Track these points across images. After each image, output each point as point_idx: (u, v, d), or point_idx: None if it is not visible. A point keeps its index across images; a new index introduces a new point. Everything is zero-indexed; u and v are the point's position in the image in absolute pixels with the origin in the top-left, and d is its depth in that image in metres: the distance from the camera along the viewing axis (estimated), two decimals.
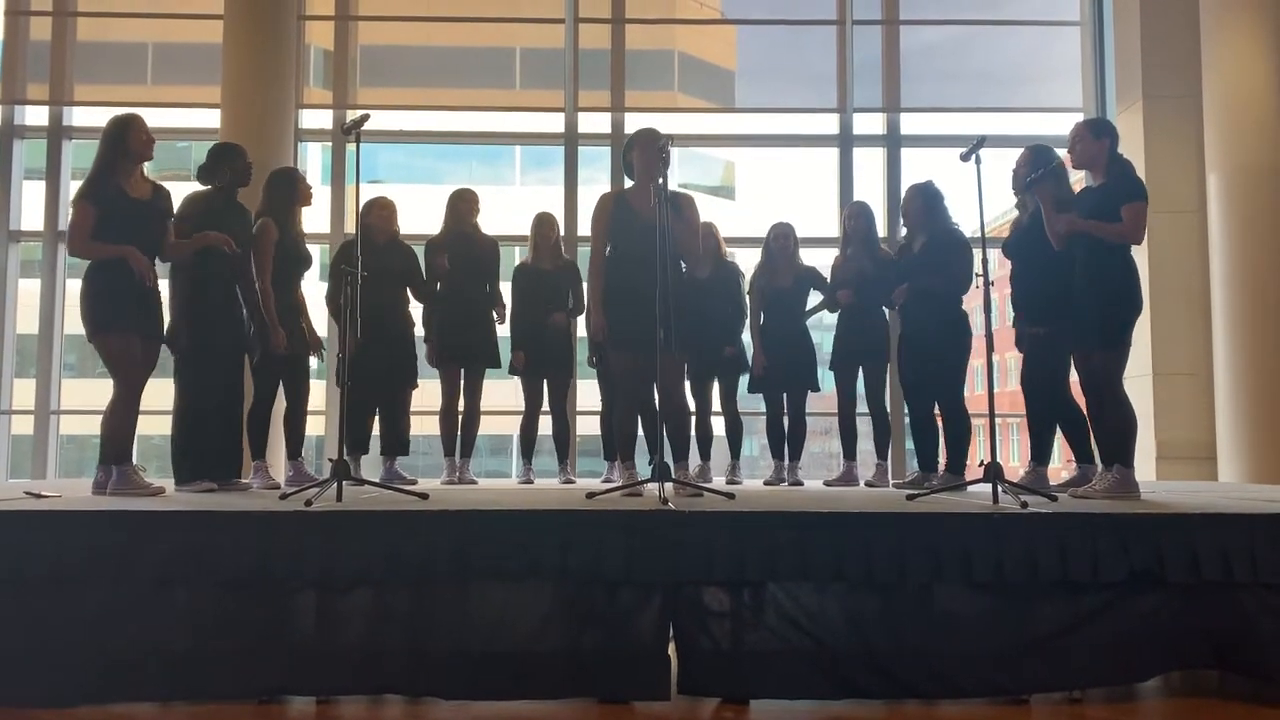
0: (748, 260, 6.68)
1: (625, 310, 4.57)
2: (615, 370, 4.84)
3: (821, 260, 6.52)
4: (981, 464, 4.01)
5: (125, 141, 4.49)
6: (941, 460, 5.48)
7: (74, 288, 8.67)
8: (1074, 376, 4.88)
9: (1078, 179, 5.20)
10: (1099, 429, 4.64)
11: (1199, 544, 3.40)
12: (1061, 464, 5.35)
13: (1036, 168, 4.78)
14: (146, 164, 4.63)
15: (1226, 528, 3.44)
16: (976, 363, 5.41)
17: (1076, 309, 4.46)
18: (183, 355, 4.81)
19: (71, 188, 8.92)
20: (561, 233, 6.61)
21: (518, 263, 6.37)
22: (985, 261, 4.28)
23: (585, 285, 6.28)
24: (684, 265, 4.83)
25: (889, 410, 6.09)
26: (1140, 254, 4.44)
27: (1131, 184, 4.39)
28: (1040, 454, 4.98)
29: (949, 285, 5.29)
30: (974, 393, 5.50)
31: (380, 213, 5.78)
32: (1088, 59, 9.06)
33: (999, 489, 3.90)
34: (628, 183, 4.93)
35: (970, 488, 4.44)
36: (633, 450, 4.82)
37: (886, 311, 5.97)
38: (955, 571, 3.38)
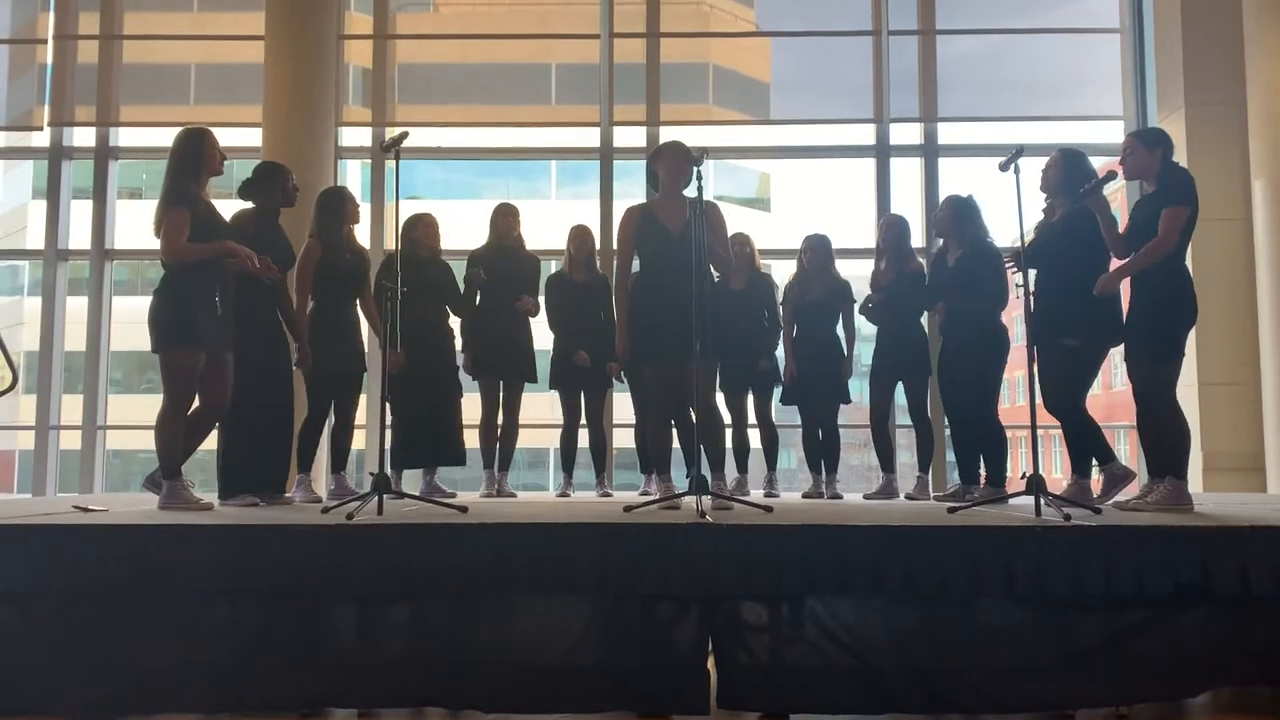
0: (783, 272, 6.66)
1: (657, 322, 4.56)
2: (649, 382, 4.84)
3: (860, 271, 6.49)
4: (1023, 476, 3.96)
5: (203, 154, 4.53)
6: (982, 474, 5.43)
7: (121, 305, 8.89)
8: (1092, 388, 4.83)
9: (1118, 189, 5.14)
10: (1148, 440, 4.56)
11: (1249, 557, 3.33)
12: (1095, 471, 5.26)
13: (1069, 172, 4.71)
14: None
15: (1277, 541, 3.37)
16: (1019, 373, 5.34)
17: (1132, 318, 4.39)
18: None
19: (118, 207, 9.10)
20: (598, 245, 6.63)
21: (551, 273, 6.41)
22: (1025, 272, 4.23)
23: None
24: (715, 274, 4.81)
25: (932, 423, 6.04)
26: (1186, 262, 4.37)
27: (1176, 189, 4.32)
28: (1081, 467, 4.90)
29: (985, 304, 5.27)
30: (1014, 405, 5.44)
31: (425, 229, 5.86)
32: (1128, 66, 8.95)
33: (1041, 501, 3.85)
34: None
35: (1012, 500, 4.39)
36: (669, 463, 4.80)
37: (926, 324, 5.94)
38: (997, 585, 3.34)
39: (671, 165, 4.69)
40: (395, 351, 5.22)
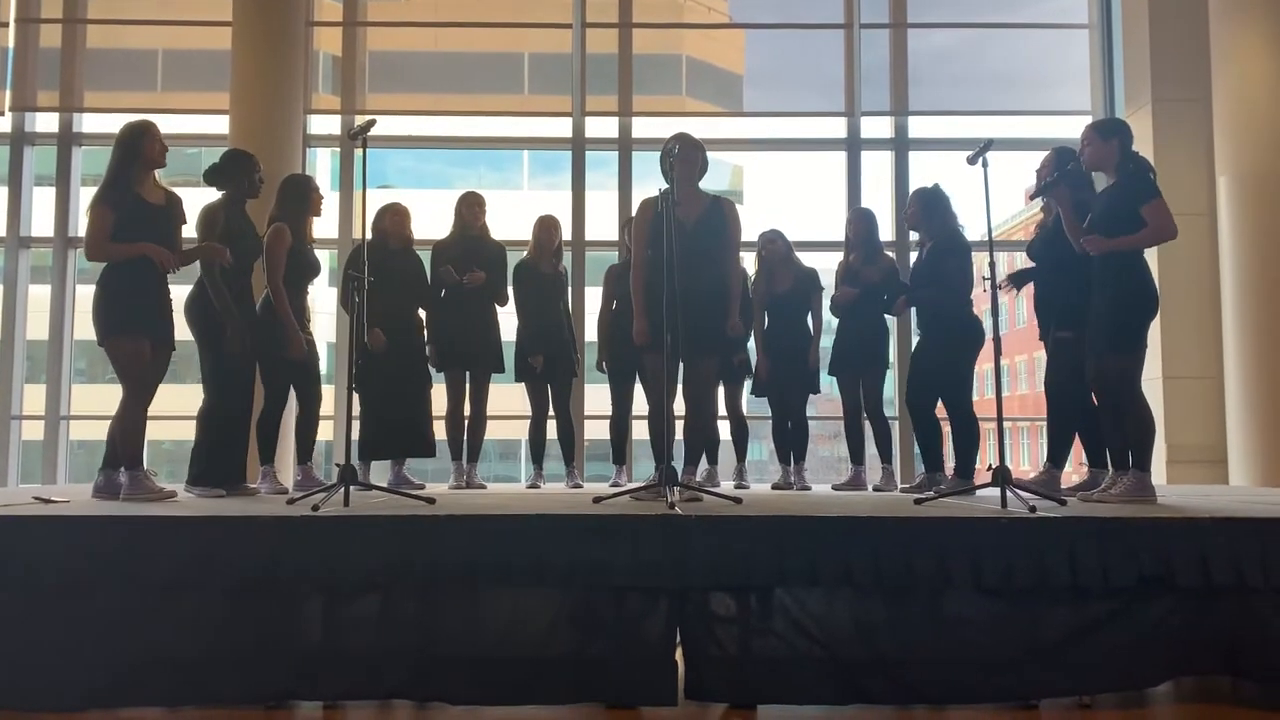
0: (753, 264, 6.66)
1: (660, 314, 4.53)
2: (653, 373, 4.81)
3: (831, 265, 6.51)
4: (990, 468, 3.99)
5: (140, 148, 4.50)
6: (949, 464, 5.46)
7: (84, 293, 8.76)
8: None
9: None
10: (1111, 432, 4.61)
11: (1210, 549, 3.37)
12: (1072, 468, 5.32)
13: (1059, 170, 4.76)
14: (159, 171, 4.65)
15: (1238, 532, 3.41)
16: (985, 366, 5.39)
17: (1091, 311, 4.42)
18: (205, 361, 4.83)
19: (82, 194, 8.98)
20: (568, 236, 6.58)
21: (519, 261, 6.33)
22: (993, 265, 4.26)
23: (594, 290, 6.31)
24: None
25: (891, 416, 6.07)
26: (1150, 257, 4.40)
27: (1142, 183, 4.33)
28: (1057, 456, 4.97)
29: (945, 293, 5.30)
30: (983, 396, 5.49)
31: (395, 218, 5.80)
32: (1096, 62, 9.03)
33: (1007, 493, 3.88)
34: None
35: (979, 492, 4.43)
36: (663, 454, 4.78)
37: (888, 318, 5.97)
38: (963, 576, 3.36)
39: (682, 157, 4.66)
40: (374, 330, 5.22)
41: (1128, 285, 4.30)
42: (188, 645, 3.33)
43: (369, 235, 4.87)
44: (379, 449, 5.75)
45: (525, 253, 6.31)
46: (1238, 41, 7.57)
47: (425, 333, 5.95)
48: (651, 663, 3.36)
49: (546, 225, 6.31)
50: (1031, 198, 4.94)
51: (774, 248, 6.18)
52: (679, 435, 4.96)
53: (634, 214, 4.87)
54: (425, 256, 5.99)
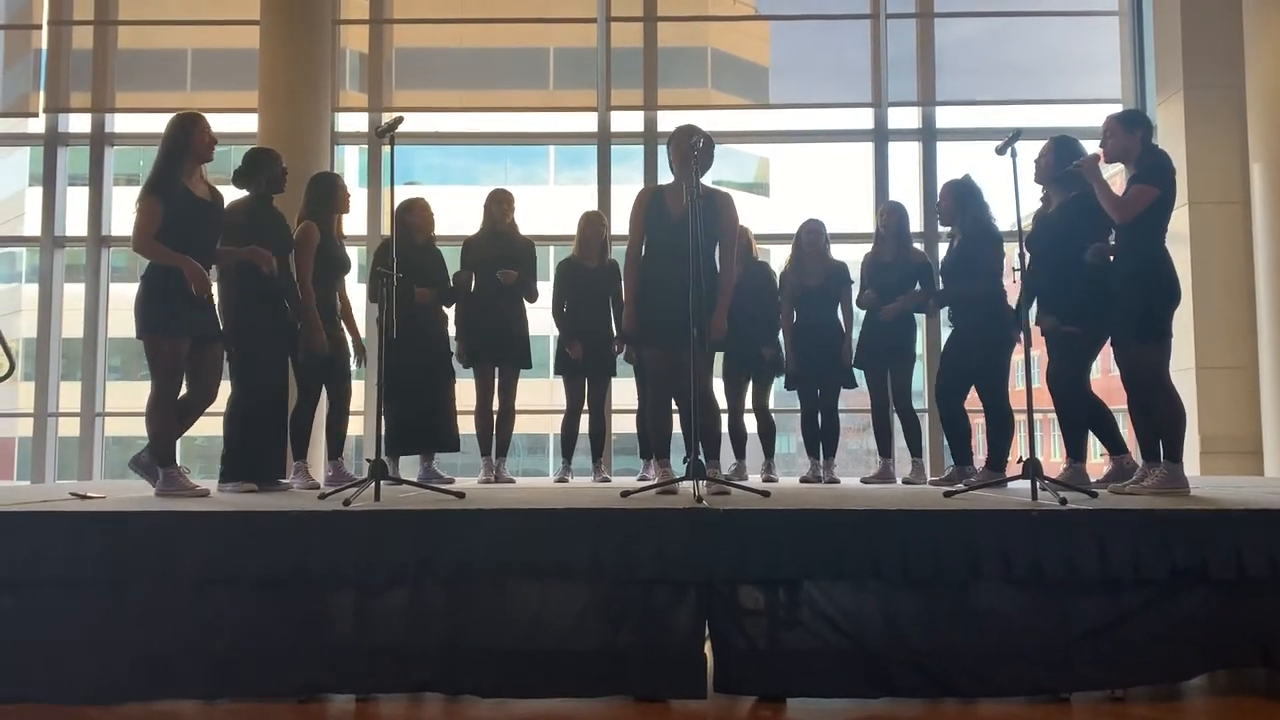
0: (783, 257, 6.65)
1: (657, 306, 4.56)
2: (647, 365, 4.84)
3: (858, 256, 6.49)
4: (1020, 460, 3.97)
5: (189, 140, 4.49)
6: (982, 457, 5.42)
7: (118, 291, 8.88)
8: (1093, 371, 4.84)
9: (1114, 174, 5.12)
10: (1144, 423, 4.55)
11: (1244, 540, 3.33)
12: (1101, 459, 5.28)
13: (1061, 160, 4.70)
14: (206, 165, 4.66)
15: (1272, 523, 3.37)
16: (1016, 358, 5.35)
17: (1115, 302, 4.36)
18: (234, 358, 4.88)
19: (114, 193, 9.09)
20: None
21: (563, 258, 6.38)
22: (1022, 255, 4.23)
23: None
24: (718, 263, 4.77)
25: (920, 409, 6.05)
26: (1183, 246, 4.37)
27: (1151, 172, 4.27)
28: (1076, 451, 4.91)
29: (974, 285, 5.25)
30: (1014, 388, 5.44)
31: (420, 214, 5.84)
32: (1127, 49, 8.92)
33: (1038, 485, 3.85)
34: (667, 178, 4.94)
35: (1009, 485, 4.40)
36: (668, 447, 4.80)
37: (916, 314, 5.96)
38: (993, 569, 3.34)
39: (678, 150, 4.66)
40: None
41: (1149, 275, 4.25)
42: (220, 639, 3.37)
43: (394, 231, 4.91)
44: (403, 445, 5.78)
45: (571, 249, 6.36)
46: (1271, 26, 7.45)
47: (454, 327, 5.99)
48: (680, 655, 3.36)
49: (592, 221, 6.35)
50: (1055, 179, 4.82)
51: (814, 239, 6.14)
52: (677, 429, 4.96)
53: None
54: (450, 252, 6.03)
